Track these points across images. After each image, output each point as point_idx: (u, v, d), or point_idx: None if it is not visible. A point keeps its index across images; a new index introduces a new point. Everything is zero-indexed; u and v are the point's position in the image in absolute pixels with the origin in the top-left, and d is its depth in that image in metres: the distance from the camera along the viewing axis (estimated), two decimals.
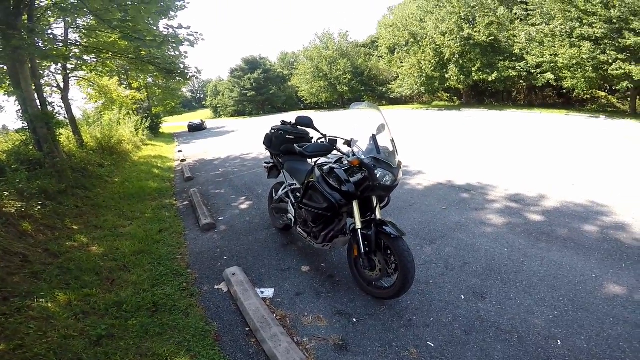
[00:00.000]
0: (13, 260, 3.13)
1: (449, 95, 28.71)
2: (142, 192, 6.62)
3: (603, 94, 19.37)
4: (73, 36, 8.86)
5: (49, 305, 2.69)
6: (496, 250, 3.42)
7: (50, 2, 6.54)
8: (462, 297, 2.76)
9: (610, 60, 14.02)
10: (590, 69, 14.83)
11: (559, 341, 2.26)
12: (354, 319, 2.60)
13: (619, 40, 13.72)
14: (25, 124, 6.29)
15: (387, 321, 2.54)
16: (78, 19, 7.98)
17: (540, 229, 3.83)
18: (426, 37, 23.60)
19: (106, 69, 10.82)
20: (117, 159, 9.52)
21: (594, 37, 14.60)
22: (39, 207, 4.32)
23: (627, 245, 3.37)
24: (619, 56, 13.75)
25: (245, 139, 16.28)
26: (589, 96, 19.10)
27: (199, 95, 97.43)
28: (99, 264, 3.49)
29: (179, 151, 13.84)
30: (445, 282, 2.96)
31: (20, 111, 6.24)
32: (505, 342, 2.29)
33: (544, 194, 4.87)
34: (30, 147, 6.11)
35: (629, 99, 16.81)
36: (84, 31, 8.40)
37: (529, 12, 19.01)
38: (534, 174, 5.84)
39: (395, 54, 29.04)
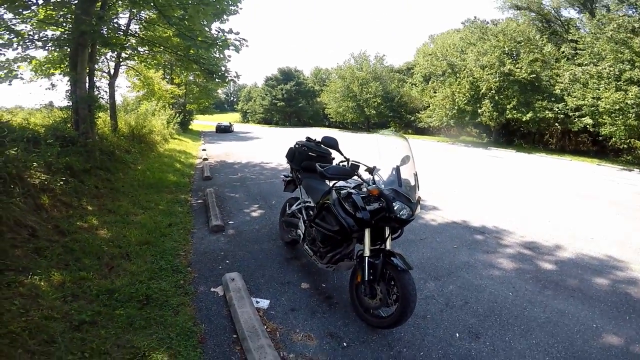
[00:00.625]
0: (21, 233, 3.20)
1: (477, 131, 28.02)
2: (161, 183, 6.81)
3: None
4: (133, 27, 9.38)
5: (42, 283, 2.72)
6: (500, 293, 3.34)
7: None
8: (457, 335, 2.71)
9: None
10: (633, 115, 14.28)
11: None
12: (345, 343, 2.55)
13: None
14: (70, 104, 6.60)
15: (377, 350, 2.49)
16: (142, 12, 8.45)
17: (549, 278, 3.73)
18: (464, 69, 23.19)
19: (154, 61, 11.34)
20: (144, 148, 9.87)
21: None
22: (62, 183, 4.46)
23: (635, 299, 3.34)
24: None
25: (268, 147, 16.52)
26: (625, 146, 17.91)
27: (232, 98, 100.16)
28: (103, 248, 3.55)
29: (203, 150, 14.21)
30: (443, 318, 2.90)
31: (69, 92, 6.57)
32: None
33: (560, 244, 4.72)
34: (69, 126, 6.40)
35: None
36: (144, 23, 8.89)
37: (578, 52, 18.53)
38: (554, 224, 5.65)
39: (430, 83, 28.76)
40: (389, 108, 34.24)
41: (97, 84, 8.59)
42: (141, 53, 10.09)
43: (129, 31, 8.89)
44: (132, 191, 5.81)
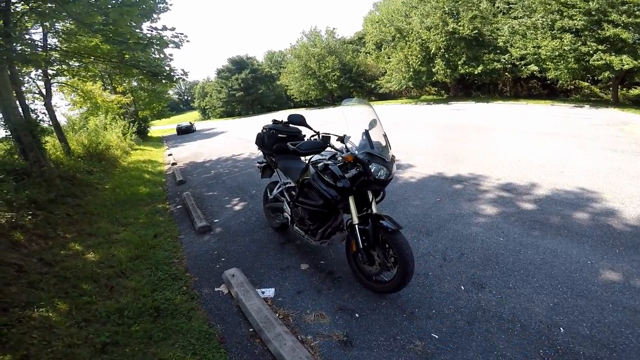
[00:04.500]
0: (8, 271, 3.07)
1: (436, 89, 29.07)
2: (134, 197, 6.54)
3: (586, 84, 19.96)
4: (52, 41, 8.53)
5: (50, 314, 2.64)
6: (492, 240, 3.45)
7: (27, 7, 6.31)
8: (462, 287, 2.77)
9: (591, 52, 14.45)
10: (573, 60, 15.27)
11: (561, 328, 2.27)
12: (357, 314, 2.59)
13: (599, 31, 14.14)
14: (9, 133, 6.11)
15: (389, 315, 2.53)
16: (57, 24, 7.67)
17: (533, 218, 3.87)
18: (412, 32, 23.79)
19: (89, 73, 10.53)
20: (106, 165, 9.36)
21: (574, 29, 15.08)
22: (30, 217, 4.23)
23: (618, 231, 3.41)
24: (599, 47, 14.16)
25: (236, 139, 16.15)
26: (572, 86, 19.80)
27: (186, 97, 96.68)
28: (96, 271, 3.42)
29: (169, 155, 13.69)
30: (445, 273, 2.98)
31: (2, 119, 6.06)
32: (508, 331, 2.29)
33: (534, 182, 4.95)
34: (16, 157, 5.97)
35: (611, 89, 17.33)
36: (63, 36, 8.11)
37: (511, 6, 19.52)
38: (524, 163, 5.93)
39: (382, 49, 29.27)
40: (349, 79, 34.34)
41: (32, 106, 7.97)
42: (70, 67, 9.23)
43: (49, 45, 8.10)
44: (106, 211, 5.54)
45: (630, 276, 2.72)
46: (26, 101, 7.29)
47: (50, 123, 9.68)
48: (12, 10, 6.07)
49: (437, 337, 2.31)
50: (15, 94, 6.25)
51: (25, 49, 6.09)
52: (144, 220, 5.19)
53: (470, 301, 2.60)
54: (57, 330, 2.46)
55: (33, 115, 6.93)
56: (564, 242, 3.30)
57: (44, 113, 8.94)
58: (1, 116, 6.13)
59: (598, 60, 14.13)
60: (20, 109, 6.29)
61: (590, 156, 6.01)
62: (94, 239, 4.36)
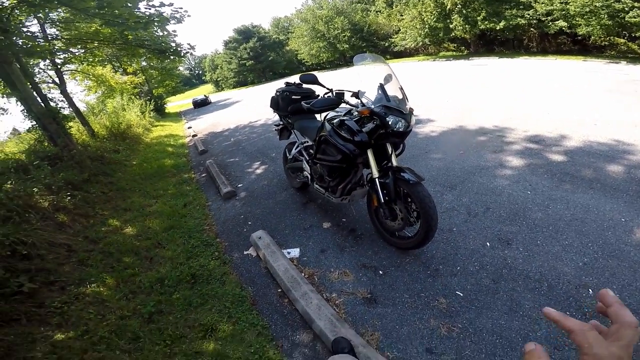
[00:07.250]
0: (59, 251, 3.27)
1: (455, 45, 27.56)
2: (161, 170, 6.74)
3: (622, 40, 18.15)
4: (51, 31, 8.55)
5: (101, 289, 2.83)
6: (519, 194, 3.31)
7: (15, 0, 6.21)
8: (488, 244, 2.68)
9: (626, 8, 13.13)
10: (606, 16, 13.92)
11: (590, 290, 2.15)
12: (380, 272, 2.58)
13: None
14: (34, 122, 6.33)
15: (413, 272, 2.51)
16: (51, 13, 7.65)
17: (563, 170, 3.68)
18: None
19: (97, 58, 10.57)
20: (130, 143, 9.62)
21: None
22: (69, 198, 4.43)
23: None
24: (635, 4, 12.87)
25: (251, 107, 16.12)
26: (606, 43, 17.88)
27: (197, 71, 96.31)
28: (136, 244, 3.60)
29: (189, 127, 13.85)
30: (469, 229, 2.89)
31: (25, 110, 6.26)
32: (534, 290, 2.20)
33: (565, 134, 4.69)
34: (45, 144, 6.21)
35: None
36: (61, 24, 8.09)
37: None
38: (554, 115, 5.61)
39: (394, 7, 27.80)
40: (360, 39, 33.36)
41: (50, 95, 8.16)
42: (75, 54, 9.36)
43: (49, 35, 8.12)
44: (137, 186, 5.75)
45: None
46: (42, 91, 7.48)
47: (71, 109, 9.96)
48: (1, 6, 6.03)
49: (461, 295, 2.26)
50: (30, 85, 6.37)
51: (27, 42, 6.13)
52: (172, 191, 5.37)
53: (495, 258, 2.52)
54: (109, 304, 2.64)
55: (52, 104, 7.13)
56: (596, 197, 3.08)
57: (62, 100, 9.22)
58: (22, 108, 6.30)
59: (635, 17, 12.82)
60: (39, 99, 6.48)
61: (628, 110, 5.54)
62: (130, 213, 4.55)
